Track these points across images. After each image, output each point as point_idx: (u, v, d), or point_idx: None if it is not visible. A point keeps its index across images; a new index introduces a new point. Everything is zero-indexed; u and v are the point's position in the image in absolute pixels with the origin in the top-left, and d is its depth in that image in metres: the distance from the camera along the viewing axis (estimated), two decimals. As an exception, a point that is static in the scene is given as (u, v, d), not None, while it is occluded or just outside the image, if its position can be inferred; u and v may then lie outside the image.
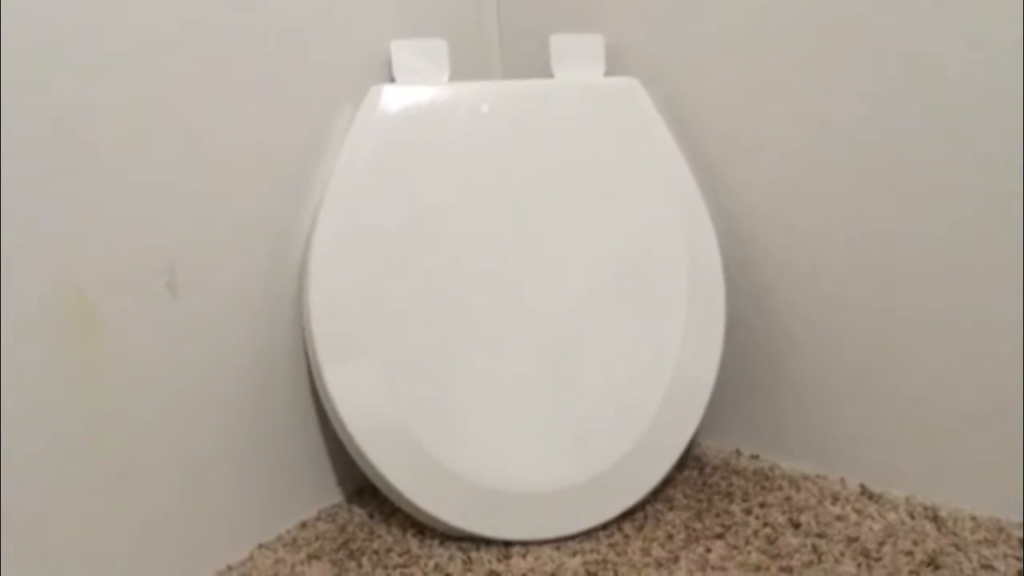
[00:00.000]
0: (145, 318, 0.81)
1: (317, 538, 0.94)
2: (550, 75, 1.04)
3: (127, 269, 0.79)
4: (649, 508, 0.97)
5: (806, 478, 1.01)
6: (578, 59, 1.04)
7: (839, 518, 0.93)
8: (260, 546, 0.93)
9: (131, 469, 0.81)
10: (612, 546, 0.91)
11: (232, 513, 0.91)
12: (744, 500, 0.97)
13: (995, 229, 0.85)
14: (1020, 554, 0.84)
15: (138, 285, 0.80)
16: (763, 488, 1.00)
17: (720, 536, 0.91)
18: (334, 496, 1.02)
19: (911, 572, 0.83)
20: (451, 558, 0.90)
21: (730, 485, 1.01)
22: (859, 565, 0.84)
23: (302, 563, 0.90)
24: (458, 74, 1.01)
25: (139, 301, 0.80)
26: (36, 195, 0.71)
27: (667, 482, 1.00)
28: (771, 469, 1.04)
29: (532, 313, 0.96)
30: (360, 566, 0.89)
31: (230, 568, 0.89)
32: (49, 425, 0.74)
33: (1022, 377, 0.86)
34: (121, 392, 0.79)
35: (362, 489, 1.03)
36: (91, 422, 0.77)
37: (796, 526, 0.92)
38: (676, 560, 0.87)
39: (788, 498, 0.97)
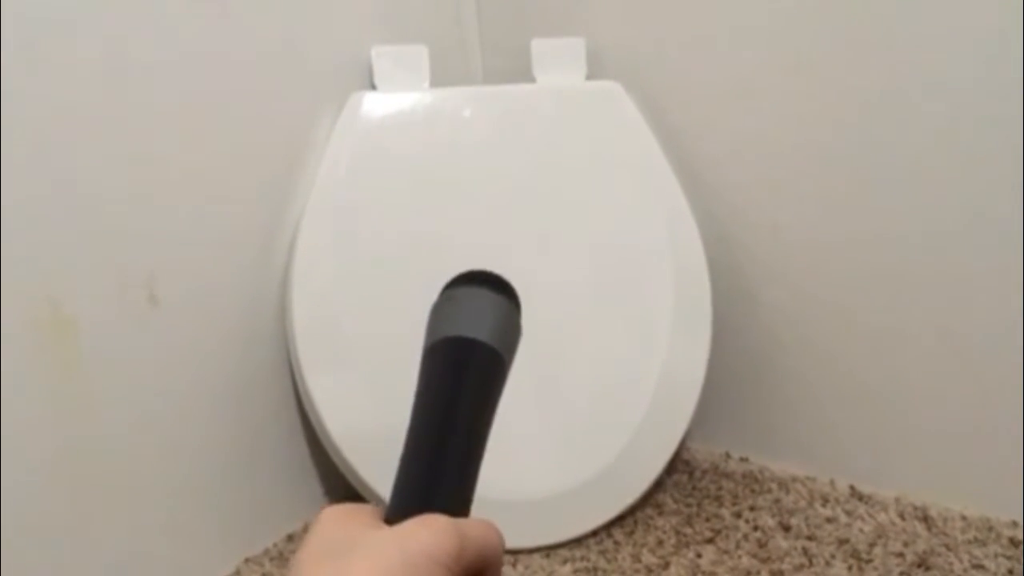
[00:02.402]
0: (125, 332, 0.80)
1: (304, 551, 0.93)
2: (531, 79, 1.04)
3: (106, 282, 0.78)
4: (639, 514, 0.96)
5: (795, 480, 1.01)
6: (559, 63, 1.04)
7: (829, 520, 0.92)
8: (247, 560, 0.92)
9: (112, 485, 0.80)
10: (602, 553, 0.90)
11: (217, 527, 0.90)
12: (734, 503, 0.97)
13: (981, 228, 0.85)
14: (1011, 553, 0.84)
15: (118, 298, 0.79)
16: (753, 491, 0.99)
17: (710, 540, 0.91)
18: (321, 507, 1.01)
19: (902, 573, 0.83)
20: (440, 568, 0.89)
21: (719, 489, 1.01)
22: (850, 567, 0.84)
23: (289, 577, 0.89)
24: (439, 80, 1.00)
25: (119, 315, 0.79)
26: (10, 209, 0.70)
27: (656, 487, 0.99)
28: (760, 471, 1.03)
29: (518, 319, 0.95)
30: (348, 578, 0.88)
31: (216, 583, 0.89)
32: (26, 443, 0.73)
33: (1010, 376, 0.86)
34: (101, 407, 0.78)
35: (349, 500, 1.01)
36: (70, 439, 0.76)
37: (786, 529, 0.91)
38: (667, 566, 0.87)
39: (778, 500, 0.97)
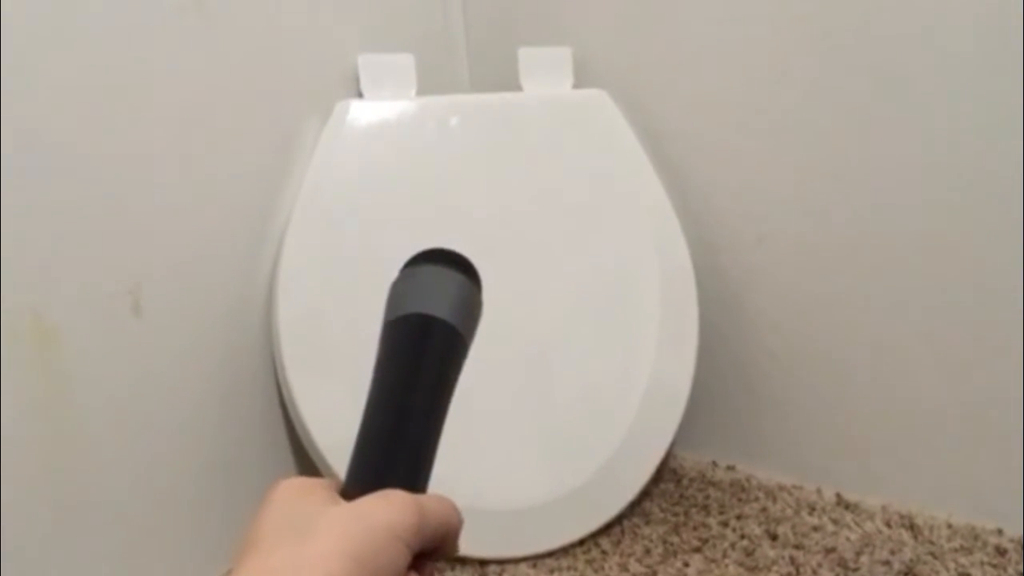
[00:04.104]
0: (108, 340, 0.79)
1: (289, 561, 0.92)
2: (519, 88, 1.04)
3: (89, 291, 0.77)
4: (626, 522, 0.96)
5: (782, 488, 1.01)
6: (546, 72, 1.04)
7: (816, 528, 0.92)
8: (230, 572, 0.91)
9: (93, 496, 0.79)
10: (589, 562, 0.90)
11: (200, 538, 0.89)
12: (721, 512, 0.97)
13: (968, 235, 0.85)
14: (996, 561, 0.84)
15: (101, 308, 0.79)
16: (740, 500, 0.99)
17: (698, 550, 0.90)
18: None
19: (889, 582, 0.83)
20: (426, 578, 0.88)
21: (707, 497, 1.00)
22: (837, 576, 0.84)
23: (274, 587, 0.88)
24: (426, 88, 1.00)
25: (102, 323, 0.79)
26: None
27: (644, 495, 0.99)
28: (747, 480, 1.03)
29: (505, 327, 0.95)
30: (333, 589, 0.87)
31: (200, 595, 0.88)
32: (7, 453, 0.72)
33: (997, 384, 0.86)
34: (83, 417, 0.77)
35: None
36: (51, 449, 0.75)
37: (773, 537, 0.91)
38: (654, 575, 0.87)
39: (765, 509, 0.97)
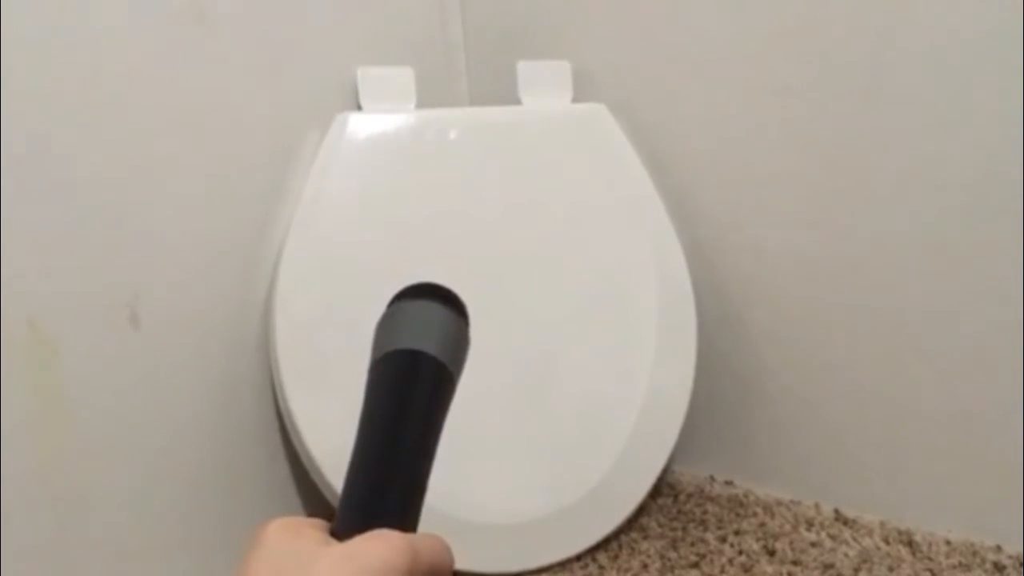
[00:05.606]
0: (105, 352, 0.79)
1: None
2: (517, 102, 1.04)
3: (88, 303, 0.77)
4: (623, 537, 0.96)
5: (780, 504, 1.00)
6: (545, 85, 1.04)
7: (814, 544, 0.92)
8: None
9: (88, 510, 0.78)
10: (586, 577, 0.89)
11: (196, 553, 0.89)
12: (719, 527, 0.97)
13: (969, 250, 0.85)
14: (995, 578, 0.84)
15: (98, 318, 0.78)
16: (738, 515, 0.99)
17: (695, 565, 0.90)
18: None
19: (887, 598, 0.82)
20: (422, 593, 0.88)
21: (704, 512, 1.00)
22: (835, 592, 0.84)
23: (269, 601, 0.87)
24: (425, 101, 1.01)
25: (99, 334, 0.78)
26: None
27: (641, 510, 0.99)
28: (745, 495, 1.03)
29: (503, 341, 0.95)
30: (329, 603, 0.87)
31: (195, 609, 0.87)
32: (3, 465, 0.72)
33: (995, 401, 0.86)
34: (80, 429, 0.77)
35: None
36: (46, 461, 0.75)
37: (771, 553, 0.91)
38: (651, 591, 0.86)
39: (763, 524, 0.97)
